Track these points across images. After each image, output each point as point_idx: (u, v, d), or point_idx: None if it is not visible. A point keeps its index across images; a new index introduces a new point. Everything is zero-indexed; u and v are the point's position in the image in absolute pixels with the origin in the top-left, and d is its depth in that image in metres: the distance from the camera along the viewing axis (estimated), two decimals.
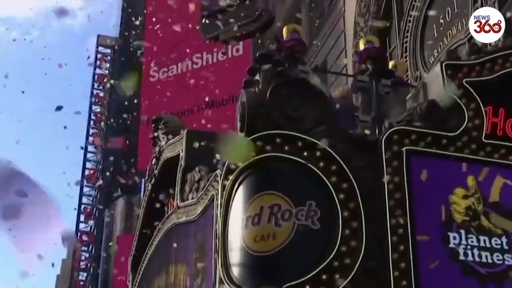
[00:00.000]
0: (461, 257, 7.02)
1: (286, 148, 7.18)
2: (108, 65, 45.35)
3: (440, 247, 7.03)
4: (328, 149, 7.04)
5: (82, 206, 52.60)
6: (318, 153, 7.09)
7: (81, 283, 66.22)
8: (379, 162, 7.19)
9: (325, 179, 6.97)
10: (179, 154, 10.41)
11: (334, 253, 6.63)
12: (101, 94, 45.06)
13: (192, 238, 9.19)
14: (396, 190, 7.09)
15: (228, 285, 6.96)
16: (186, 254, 9.31)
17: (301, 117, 7.41)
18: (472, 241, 7.12)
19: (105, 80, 44.06)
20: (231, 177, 7.38)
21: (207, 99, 23.83)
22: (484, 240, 7.16)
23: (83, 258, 63.14)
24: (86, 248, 62.59)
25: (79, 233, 56.68)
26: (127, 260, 13.34)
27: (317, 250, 6.74)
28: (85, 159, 45.92)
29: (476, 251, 7.08)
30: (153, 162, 11.82)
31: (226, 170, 7.49)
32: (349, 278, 6.53)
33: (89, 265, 57.20)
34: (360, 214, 6.85)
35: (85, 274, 66.48)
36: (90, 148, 46.04)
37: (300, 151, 7.13)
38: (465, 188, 7.35)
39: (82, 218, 53.59)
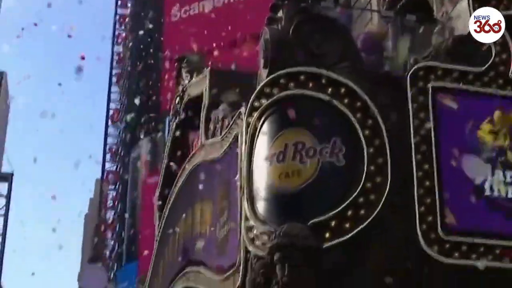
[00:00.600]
0: (487, 193, 6.99)
1: (310, 85, 7.12)
2: (129, 4, 45.03)
3: (467, 182, 6.99)
4: (353, 85, 6.97)
5: (108, 146, 53.16)
6: (342, 90, 7.03)
7: (109, 221, 67.54)
8: (404, 99, 7.10)
9: (350, 115, 6.93)
10: (202, 92, 10.41)
11: (359, 189, 6.63)
12: (123, 34, 44.88)
13: (217, 176, 9.25)
14: (421, 126, 7.02)
15: (254, 221, 7.01)
16: (211, 192, 9.39)
17: (324, 53, 7.34)
18: (498, 177, 7.06)
19: (127, 20, 43.84)
20: (255, 115, 7.36)
21: (229, 37, 23.66)
22: (511, 176, 7.10)
23: (110, 197, 64.06)
24: (112, 187, 63.40)
25: (105, 173, 57.35)
26: (153, 198, 13.51)
27: (342, 187, 6.74)
28: (109, 99, 46.10)
29: (502, 186, 7.03)
30: (176, 101, 11.84)
31: (250, 108, 7.47)
32: (374, 214, 6.54)
33: (116, 203, 58.04)
34: (385, 150, 6.81)
35: (112, 212, 67.61)
36: (114, 88, 46.15)
37: (324, 88, 7.07)
38: (492, 124, 7.26)
39: (108, 157, 54.17)
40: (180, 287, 10.50)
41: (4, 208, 15.03)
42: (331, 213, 6.55)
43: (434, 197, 6.73)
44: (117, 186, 57.33)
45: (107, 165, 55.30)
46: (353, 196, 6.59)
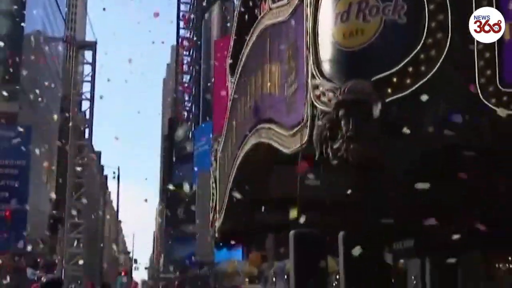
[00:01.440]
0: None
1: None
2: None
3: None
4: None
5: (181, 14, 53.00)
6: None
7: (185, 84, 68.79)
8: None
9: None
10: None
11: (420, 46, 6.53)
12: None
13: (284, 37, 9.21)
14: None
15: (319, 79, 7.06)
16: (279, 53, 9.40)
17: None
18: None
19: None
20: None
21: None
22: None
23: (185, 61, 64.65)
24: (187, 53, 63.85)
25: (180, 39, 57.50)
26: (225, 62, 13.61)
27: (403, 44, 6.67)
28: None
29: None
30: None
31: None
32: (434, 70, 6.47)
33: (191, 67, 58.65)
34: (446, 6, 6.62)
35: (188, 76, 68.60)
36: None
37: None
38: None
39: (182, 24, 54.18)
40: (253, 142, 10.79)
41: (91, 74, 15.52)
42: (393, 70, 6.52)
43: (494, 52, 6.58)
44: (191, 52, 57.74)
45: (182, 31, 55.38)
46: (414, 52, 6.52)
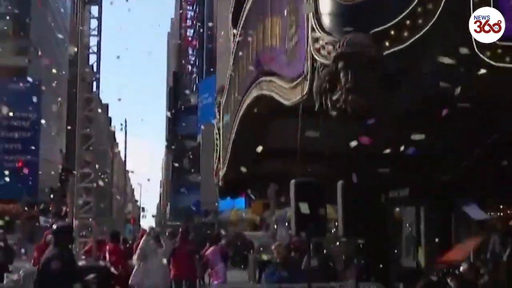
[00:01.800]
0: None
1: None
2: None
3: None
4: None
5: None
6: None
7: (189, 38, 68.32)
8: None
9: None
10: None
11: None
12: None
13: None
14: None
15: (319, 32, 7.02)
16: (280, 7, 9.31)
17: None
18: None
19: None
20: None
21: None
22: None
23: (188, 16, 63.95)
24: (190, 7, 63.16)
25: None
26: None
27: None
28: None
29: None
30: None
31: None
32: (431, 23, 6.41)
33: (194, 21, 58.09)
34: None
35: (191, 30, 67.97)
36: None
37: None
38: None
39: None
40: (255, 95, 10.79)
41: (97, 29, 15.38)
42: (390, 23, 6.47)
43: (490, 5, 6.50)
44: (194, 6, 57.18)
45: None
46: (412, 6, 6.45)
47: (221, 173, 17.32)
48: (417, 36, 6.40)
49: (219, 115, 18.91)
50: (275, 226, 21.89)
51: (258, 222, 31.63)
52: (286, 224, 19.12)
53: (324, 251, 11.11)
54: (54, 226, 8.46)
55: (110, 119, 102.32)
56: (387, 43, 6.49)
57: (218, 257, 13.07)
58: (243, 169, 11.43)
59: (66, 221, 13.78)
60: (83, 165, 15.99)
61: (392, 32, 6.48)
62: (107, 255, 12.00)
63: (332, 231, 13.38)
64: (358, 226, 7.29)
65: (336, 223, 8.91)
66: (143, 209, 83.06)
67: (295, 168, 7.87)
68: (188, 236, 13.92)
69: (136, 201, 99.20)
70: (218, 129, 19.03)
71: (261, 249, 18.68)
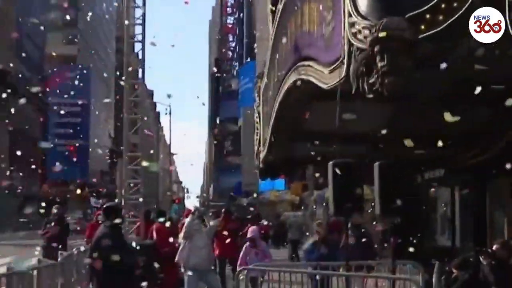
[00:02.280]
0: None
1: None
2: None
3: None
4: None
5: None
6: None
7: (229, 25, 68.36)
8: None
9: None
10: None
11: None
12: None
13: None
14: None
15: (356, 17, 6.93)
16: None
17: None
18: None
19: None
20: None
21: None
22: None
23: (229, 4, 63.97)
24: None
25: None
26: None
27: None
28: None
29: None
30: None
31: None
32: (466, 5, 6.27)
33: (234, 9, 58.08)
34: None
35: (232, 18, 68.01)
36: None
37: None
38: None
39: None
40: (293, 79, 10.75)
41: (141, 17, 15.40)
42: (426, 6, 6.34)
43: None
44: None
45: None
46: None
47: (261, 155, 17.35)
48: (452, 19, 6.27)
49: (259, 99, 18.92)
50: (314, 206, 21.88)
51: (297, 202, 31.65)
52: (324, 204, 19.09)
53: (362, 230, 11.07)
54: (104, 206, 8.63)
55: (155, 104, 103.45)
56: (422, 27, 6.36)
57: (259, 236, 13.12)
58: (282, 151, 11.44)
59: (115, 201, 14.02)
60: (130, 148, 16.18)
61: (428, 16, 6.35)
62: (154, 234, 12.15)
63: (369, 211, 13.33)
64: (394, 205, 7.23)
65: (373, 203, 8.87)
66: (187, 190, 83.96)
67: (333, 150, 7.84)
68: (231, 216, 14.02)
69: (181, 182, 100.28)
70: (258, 113, 19.05)
71: (298, 228, 18.70)
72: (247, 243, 10.35)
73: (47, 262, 7.88)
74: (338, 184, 7.40)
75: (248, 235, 10.27)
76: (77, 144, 56.08)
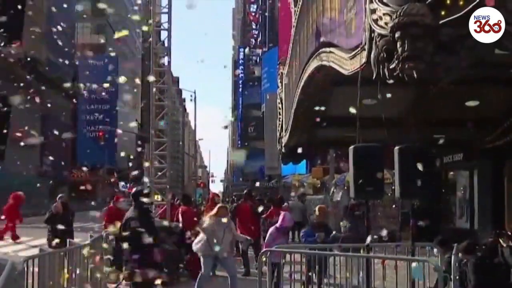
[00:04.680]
0: None
1: None
2: None
3: None
4: None
5: None
6: None
7: (253, 13, 68.10)
8: None
9: None
10: None
11: None
12: None
13: None
14: None
15: (377, 3, 6.86)
16: None
17: None
18: None
19: None
20: None
21: None
22: None
23: None
24: None
25: None
26: None
27: None
28: None
29: None
30: None
31: None
32: None
33: None
34: None
35: (255, 6, 67.66)
36: None
37: None
38: None
39: None
40: (315, 65, 10.70)
41: (167, 6, 15.34)
42: None
43: None
44: None
45: None
46: None
47: (283, 140, 17.35)
48: (472, 4, 6.16)
49: (282, 85, 18.88)
50: (335, 189, 21.82)
51: (318, 186, 31.60)
52: (345, 187, 19.03)
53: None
54: (133, 190, 8.71)
55: (181, 91, 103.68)
56: (443, 12, 6.27)
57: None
58: (304, 136, 11.41)
59: (142, 185, 14.14)
60: (157, 134, 16.26)
61: (448, 1, 6.26)
62: (179, 216, 12.22)
63: (389, 194, 13.26)
64: (414, 189, 7.17)
65: (393, 187, 8.81)
66: (212, 174, 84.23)
67: (354, 134, 7.79)
68: (251, 196, 14.02)
69: (206, 166, 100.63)
70: (281, 98, 19.02)
71: (300, 210, 18.58)
72: (274, 227, 10.08)
73: (74, 244, 8.00)
74: (358, 167, 7.36)
75: (284, 223, 9.97)
76: (105, 130, 56.55)
